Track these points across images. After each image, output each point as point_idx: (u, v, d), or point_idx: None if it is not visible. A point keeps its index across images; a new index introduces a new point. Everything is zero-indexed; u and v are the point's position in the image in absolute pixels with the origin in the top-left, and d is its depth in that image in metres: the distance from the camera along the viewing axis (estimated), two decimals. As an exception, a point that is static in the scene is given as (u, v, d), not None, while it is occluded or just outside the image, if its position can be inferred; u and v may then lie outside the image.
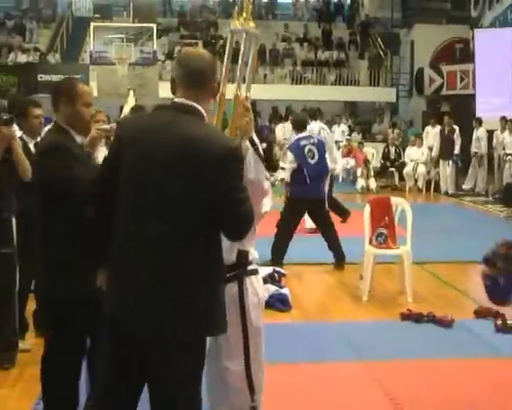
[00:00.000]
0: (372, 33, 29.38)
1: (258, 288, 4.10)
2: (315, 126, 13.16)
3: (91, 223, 3.71)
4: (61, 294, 4.17)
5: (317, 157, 9.76)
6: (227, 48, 3.94)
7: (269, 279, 8.33)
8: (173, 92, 3.50)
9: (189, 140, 3.23)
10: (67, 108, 4.32)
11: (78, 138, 4.38)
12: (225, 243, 3.64)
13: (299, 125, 10.19)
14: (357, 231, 9.39)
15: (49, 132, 4.58)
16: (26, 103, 6.71)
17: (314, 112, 13.80)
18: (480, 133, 19.12)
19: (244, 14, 3.80)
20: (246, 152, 3.74)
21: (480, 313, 7.62)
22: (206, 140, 3.25)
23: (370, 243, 8.52)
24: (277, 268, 8.71)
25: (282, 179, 19.58)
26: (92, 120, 7.14)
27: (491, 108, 20.27)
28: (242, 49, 3.77)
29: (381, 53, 27.97)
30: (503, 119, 18.48)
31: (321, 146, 10.01)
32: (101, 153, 6.90)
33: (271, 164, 4.58)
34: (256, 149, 3.80)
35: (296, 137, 10.04)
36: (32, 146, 6.33)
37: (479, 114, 20.84)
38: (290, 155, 9.82)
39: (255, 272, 4.12)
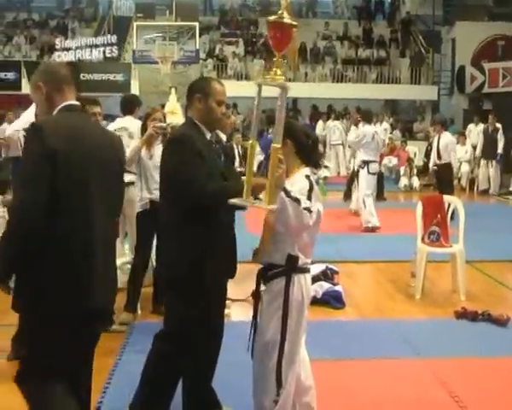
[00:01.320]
0: (413, 31, 29.28)
1: (304, 286, 4.26)
2: (369, 130, 13.15)
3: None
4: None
5: None
6: (256, 100, 3.95)
7: (322, 277, 8.39)
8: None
9: (109, 138, 4.01)
10: (200, 104, 4.52)
11: (208, 134, 4.57)
12: (277, 245, 4.18)
13: (269, 122, 10.42)
14: (408, 228, 9.39)
15: (181, 126, 4.80)
16: (85, 101, 6.84)
17: (369, 115, 13.67)
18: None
19: (276, 70, 3.88)
20: (282, 202, 3.90)
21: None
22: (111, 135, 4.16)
23: (423, 240, 8.52)
24: (330, 265, 8.75)
25: (326, 177, 19.67)
26: (150, 119, 7.30)
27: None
28: (279, 102, 3.83)
29: (423, 51, 27.86)
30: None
31: None
32: (158, 150, 7.04)
33: (315, 161, 4.50)
34: (290, 196, 3.93)
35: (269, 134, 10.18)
36: None
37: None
38: (257, 148, 9.96)
39: (305, 270, 4.30)
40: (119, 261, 7.72)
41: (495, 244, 11.33)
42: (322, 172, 20.00)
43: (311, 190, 4.13)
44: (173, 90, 18.76)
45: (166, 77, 23.00)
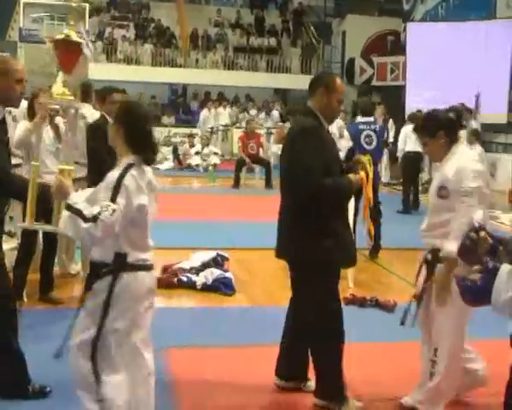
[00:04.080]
0: (305, 22, 29.58)
1: (134, 284, 3.98)
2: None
3: None
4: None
5: (374, 144, 9.76)
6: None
7: (212, 263, 8.37)
8: None
9: None
10: (323, 98, 4.90)
11: (326, 125, 5.02)
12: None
13: (362, 111, 10.42)
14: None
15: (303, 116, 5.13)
16: None
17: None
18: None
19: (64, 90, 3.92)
20: (64, 219, 3.81)
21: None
22: None
23: (314, 229, 8.57)
24: (221, 252, 8.72)
25: (215, 164, 19.71)
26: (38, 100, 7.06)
27: (422, 101, 20.61)
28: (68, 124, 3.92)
29: (314, 41, 28.19)
30: (419, 111, 18.70)
31: (381, 134, 10.06)
32: (47, 132, 6.84)
33: (145, 152, 4.22)
34: (71, 209, 3.79)
35: (357, 121, 10.20)
36: None
37: (409, 105, 21.22)
38: (347, 135, 10.08)
39: (139, 267, 4.00)
40: (5, 246, 7.46)
41: (383, 233, 11.53)
42: (212, 159, 20.07)
43: (118, 186, 3.83)
44: (61, 72, 18.29)
45: (54, 58, 22.40)
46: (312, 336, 5.06)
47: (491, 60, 20.27)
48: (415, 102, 21.03)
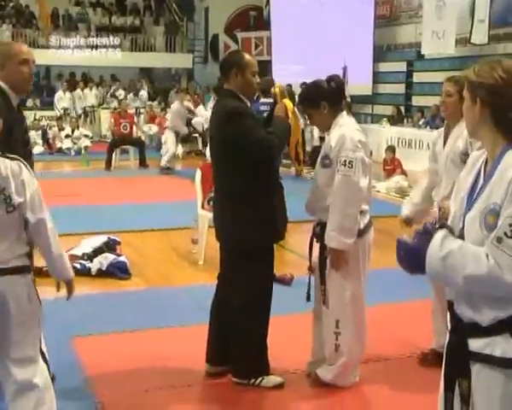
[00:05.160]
0: (167, -1, 29.40)
1: None
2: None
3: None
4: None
5: None
6: None
7: (105, 248, 8.27)
8: None
9: None
10: (238, 78, 4.93)
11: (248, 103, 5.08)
12: None
13: (263, 91, 10.32)
14: (186, 195, 9.46)
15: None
16: None
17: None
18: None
19: None
20: None
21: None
22: None
23: (203, 207, 8.61)
24: (111, 236, 8.62)
25: (86, 147, 19.40)
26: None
27: (288, 75, 20.95)
28: None
29: (177, 19, 28.03)
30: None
31: None
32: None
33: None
34: None
35: (260, 101, 10.10)
36: None
37: (276, 80, 21.45)
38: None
39: None
40: None
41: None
42: (83, 142, 19.72)
43: None
44: None
45: None
46: (246, 316, 5.09)
47: (355, 32, 20.81)
48: (281, 76, 21.30)
